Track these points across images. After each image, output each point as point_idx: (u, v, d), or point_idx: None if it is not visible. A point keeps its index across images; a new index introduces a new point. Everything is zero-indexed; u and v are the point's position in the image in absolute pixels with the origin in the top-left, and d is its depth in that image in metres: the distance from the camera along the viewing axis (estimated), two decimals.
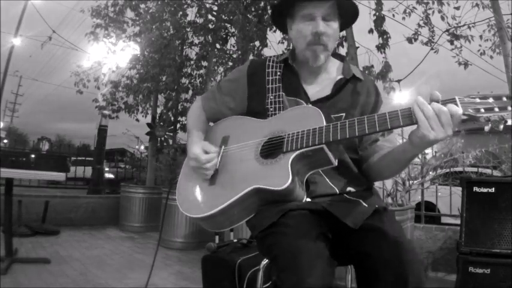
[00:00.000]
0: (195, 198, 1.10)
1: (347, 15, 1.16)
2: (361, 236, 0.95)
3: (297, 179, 0.97)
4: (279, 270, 0.85)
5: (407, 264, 0.85)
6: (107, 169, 7.89)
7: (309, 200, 1.03)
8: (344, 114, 1.11)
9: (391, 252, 0.88)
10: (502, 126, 0.85)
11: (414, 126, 0.88)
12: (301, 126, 1.00)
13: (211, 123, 1.32)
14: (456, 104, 0.83)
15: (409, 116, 0.87)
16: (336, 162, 0.99)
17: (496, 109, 0.83)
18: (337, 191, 1.06)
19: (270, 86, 1.15)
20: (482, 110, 0.83)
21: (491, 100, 0.84)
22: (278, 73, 1.17)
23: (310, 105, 1.08)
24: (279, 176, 0.95)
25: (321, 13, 1.07)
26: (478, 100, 0.84)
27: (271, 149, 1.03)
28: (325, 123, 0.98)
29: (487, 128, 0.88)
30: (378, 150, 1.11)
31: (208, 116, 1.29)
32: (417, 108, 0.84)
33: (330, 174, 1.07)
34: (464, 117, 0.84)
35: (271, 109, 1.12)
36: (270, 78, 1.16)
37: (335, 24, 1.10)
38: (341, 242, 0.98)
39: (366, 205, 1.02)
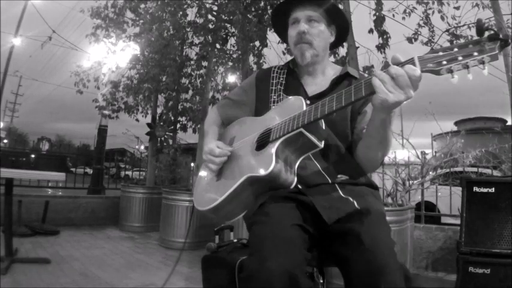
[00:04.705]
0: (202, 193, 1.22)
1: (338, 21, 1.27)
2: (340, 239, 0.96)
3: (283, 164, 1.03)
4: (248, 256, 0.90)
5: (379, 273, 0.83)
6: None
7: (299, 186, 1.07)
8: None
9: (364, 260, 0.86)
10: (470, 76, 0.76)
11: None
12: (287, 116, 1.06)
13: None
14: (414, 64, 0.81)
15: (370, 85, 0.86)
16: (321, 145, 1.03)
17: (460, 57, 0.77)
18: (329, 180, 1.09)
19: (273, 87, 1.28)
20: (444, 62, 0.78)
21: (455, 50, 0.78)
22: (281, 78, 1.30)
23: (295, 96, 1.14)
24: (264, 162, 1.02)
25: (304, 15, 1.21)
26: (441, 53, 0.80)
27: (263, 141, 1.11)
28: (304, 108, 1.02)
29: (454, 81, 0.77)
30: (362, 137, 1.14)
31: (224, 119, 1.42)
32: (374, 77, 0.85)
33: (321, 162, 1.12)
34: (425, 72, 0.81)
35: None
36: (274, 81, 1.30)
37: (320, 26, 1.22)
38: (327, 244, 1.01)
39: (355, 202, 1.02)
